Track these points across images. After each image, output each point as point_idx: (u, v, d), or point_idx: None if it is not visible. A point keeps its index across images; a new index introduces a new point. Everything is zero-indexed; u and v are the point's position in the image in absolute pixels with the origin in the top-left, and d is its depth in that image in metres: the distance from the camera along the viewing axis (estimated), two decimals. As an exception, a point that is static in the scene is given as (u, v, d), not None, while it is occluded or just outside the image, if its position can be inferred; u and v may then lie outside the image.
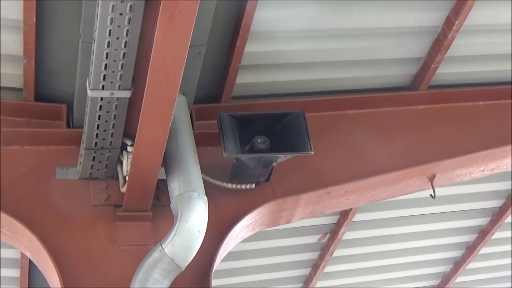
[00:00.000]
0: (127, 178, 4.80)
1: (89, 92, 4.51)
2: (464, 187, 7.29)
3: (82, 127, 4.89)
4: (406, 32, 5.57)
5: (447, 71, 5.89)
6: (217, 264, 5.11)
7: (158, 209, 5.08)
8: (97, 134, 4.78)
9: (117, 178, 5.06)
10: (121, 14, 4.09)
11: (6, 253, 6.66)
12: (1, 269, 6.84)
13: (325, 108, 5.73)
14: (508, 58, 5.93)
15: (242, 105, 5.52)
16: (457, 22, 5.40)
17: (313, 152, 5.02)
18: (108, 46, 4.25)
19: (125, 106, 4.65)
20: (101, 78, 4.43)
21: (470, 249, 8.27)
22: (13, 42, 4.89)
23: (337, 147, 5.60)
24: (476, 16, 5.46)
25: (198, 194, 4.72)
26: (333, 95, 5.78)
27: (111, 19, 4.10)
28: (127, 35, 4.21)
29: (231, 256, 6.72)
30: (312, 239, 7.52)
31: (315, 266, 7.87)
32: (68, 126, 5.26)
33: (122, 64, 4.36)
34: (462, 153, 5.77)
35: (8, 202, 4.92)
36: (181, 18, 3.75)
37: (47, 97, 5.22)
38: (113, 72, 4.40)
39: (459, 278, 8.73)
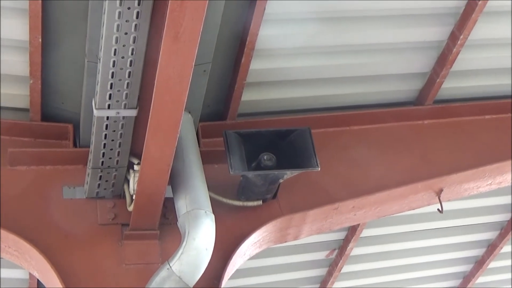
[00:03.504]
0: (134, 197, 4.81)
1: (95, 111, 4.52)
2: (472, 201, 7.28)
3: (88, 147, 4.90)
4: (411, 47, 5.58)
5: (452, 85, 5.90)
6: (225, 282, 5.10)
7: (165, 228, 5.08)
8: (103, 153, 4.79)
9: (124, 197, 5.07)
10: (126, 33, 4.11)
11: (15, 273, 6.65)
12: (10, 289, 6.85)
13: (331, 124, 5.73)
14: (513, 71, 5.95)
15: (248, 122, 5.52)
16: (461, 37, 5.41)
17: (319, 168, 5.02)
18: (113, 66, 4.26)
19: (131, 125, 4.66)
20: (107, 97, 4.44)
21: (479, 263, 8.24)
22: (19, 63, 4.91)
23: (343, 163, 5.59)
24: (480, 30, 5.47)
25: (205, 212, 4.71)
26: (338, 111, 5.78)
27: (116, 38, 4.12)
28: (132, 54, 4.22)
29: (238, 273, 6.72)
30: (320, 255, 7.50)
31: (324, 282, 7.85)
32: (75, 145, 5.27)
33: (127, 83, 4.38)
34: (469, 167, 5.76)
35: (15, 222, 4.92)
36: (186, 37, 3.77)
37: (53, 117, 5.24)
38: (118, 91, 4.41)
39: (469, 293, 8.71)
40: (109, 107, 4.50)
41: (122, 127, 4.65)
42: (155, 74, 4.01)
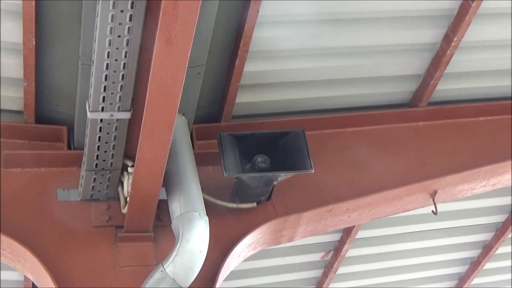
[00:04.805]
0: (128, 199, 4.81)
1: (88, 114, 4.53)
2: (467, 202, 7.28)
3: (82, 149, 4.90)
4: (405, 50, 5.59)
5: (446, 87, 5.91)
6: (219, 284, 5.10)
7: (160, 230, 5.08)
8: (97, 155, 4.79)
9: (118, 199, 5.07)
10: (119, 36, 4.11)
11: (9, 275, 6.65)
12: (5, 291, 6.85)
13: (326, 126, 5.74)
14: (507, 73, 5.95)
15: (242, 124, 5.53)
16: (455, 39, 5.42)
17: (313, 170, 5.02)
18: (107, 68, 4.27)
19: (125, 127, 4.67)
20: (101, 99, 4.44)
21: (474, 265, 8.25)
22: (13, 65, 4.92)
23: (338, 164, 5.60)
24: (474, 32, 5.48)
25: (199, 214, 4.72)
26: (333, 113, 5.79)
27: (110, 41, 4.13)
28: (125, 57, 4.23)
29: (233, 275, 6.72)
30: (316, 256, 7.50)
31: (319, 283, 7.85)
32: (69, 147, 5.27)
33: (121, 86, 4.38)
34: (463, 169, 5.76)
35: (10, 224, 4.92)
36: (179, 39, 3.77)
37: (47, 119, 5.24)
38: (112, 93, 4.41)
39: (465, 294, 8.71)
40: (102, 109, 4.50)
41: (116, 130, 4.65)
42: (149, 77, 4.01)
